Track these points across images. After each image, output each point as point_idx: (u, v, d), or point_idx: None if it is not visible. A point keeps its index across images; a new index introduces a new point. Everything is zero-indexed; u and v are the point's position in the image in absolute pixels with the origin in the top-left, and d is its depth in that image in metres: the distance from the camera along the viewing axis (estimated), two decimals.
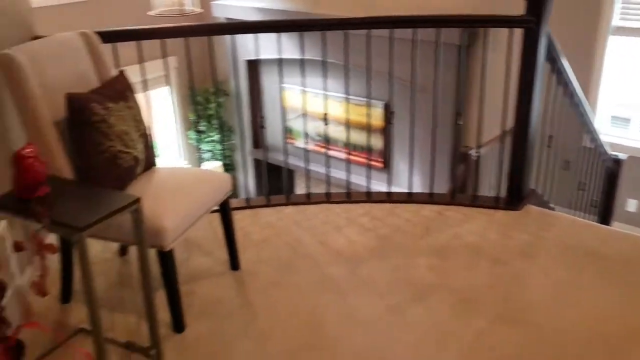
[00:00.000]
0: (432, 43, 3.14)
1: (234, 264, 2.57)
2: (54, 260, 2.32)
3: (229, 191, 2.44)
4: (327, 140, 4.47)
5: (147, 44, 2.96)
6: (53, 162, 2.08)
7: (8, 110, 2.29)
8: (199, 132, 6.33)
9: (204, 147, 6.37)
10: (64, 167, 2.12)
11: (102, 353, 1.81)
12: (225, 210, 2.47)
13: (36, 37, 2.57)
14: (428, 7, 4.16)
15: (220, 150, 6.38)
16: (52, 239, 2.11)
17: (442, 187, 4.35)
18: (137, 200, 1.86)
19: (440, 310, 2.30)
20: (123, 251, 2.68)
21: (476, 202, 3.22)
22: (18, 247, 1.68)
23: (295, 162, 5.22)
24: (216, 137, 6.32)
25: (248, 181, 6.49)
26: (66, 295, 2.34)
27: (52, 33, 2.47)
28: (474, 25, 3.60)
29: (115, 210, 1.80)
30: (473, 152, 4.16)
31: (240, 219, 2.96)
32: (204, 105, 6.27)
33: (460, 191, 4.28)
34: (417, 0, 4.28)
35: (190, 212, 2.18)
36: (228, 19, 5.80)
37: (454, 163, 4.55)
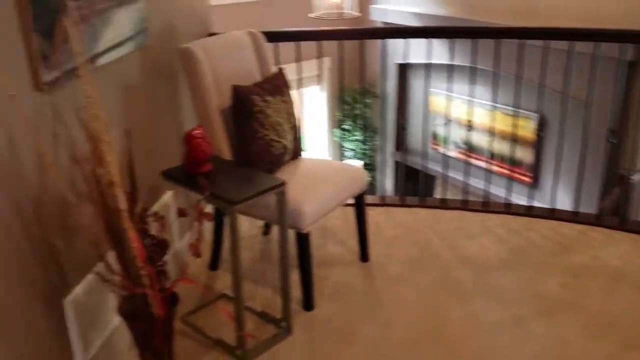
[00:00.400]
0: (589, 55, 3.01)
1: (364, 255, 2.70)
2: (207, 232, 2.62)
3: (365, 186, 2.57)
4: (470, 148, 4.44)
5: (305, 44, 3.19)
6: (216, 144, 2.36)
7: (183, 95, 2.63)
8: (344, 130, 6.56)
9: (348, 145, 6.59)
10: (224, 149, 2.39)
11: (241, 318, 2.03)
12: (359, 204, 2.61)
13: (211, 34, 2.90)
14: (589, 16, 3.97)
15: (363, 149, 6.56)
16: (208, 210, 2.38)
17: (591, 206, 4.12)
18: (283, 184, 2.06)
19: (568, 328, 2.24)
20: (266, 230, 2.94)
21: (624, 225, 3.03)
22: (182, 213, 1.95)
23: (436, 167, 5.23)
24: (360, 136, 6.51)
25: (387, 182, 6.60)
26: (214, 263, 2.63)
27: (223, 30, 2.77)
28: (636, 41, 3.37)
29: (264, 190, 2.02)
30: (632, 175, 3.89)
31: (374, 215, 3.08)
32: (352, 105, 6.48)
33: (612, 214, 4.03)
34: (578, 11, 4.10)
35: (327, 200, 2.35)
36: (385, 23, 5.95)
37: (605, 183, 4.28)
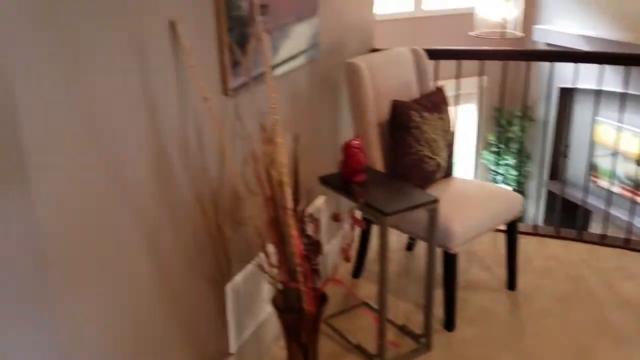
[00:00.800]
0: None
1: (511, 284, 2.61)
2: (354, 240, 2.70)
3: (520, 213, 2.49)
4: (637, 185, 4.08)
5: (464, 61, 3.16)
6: (370, 155, 2.44)
7: (342, 107, 2.75)
8: (495, 153, 6.35)
9: (497, 169, 6.37)
10: (377, 161, 2.46)
11: (383, 327, 2.07)
12: (511, 231, 2.53)
13: (373, 49, 3.00)
14: None
15: (514, 175, 6.30)
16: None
17: None
18: (436, 201, 2.07)
19: None
20: (410, 245, 2.95)
21: None
22: (336, 218, 2.03)
23: (594, 202, 4.88)
24: (511, 161, 6.26)
25: (538, 213, 6.27)
26: (357, 271, 2.70)
27: (383, 44, 2.84)
28: None
29: (416, 205, 2.05)
30: None
31: (524, 243, 2.96)
32: (506, 128, 6.27)
33: None
34: None
35: (478, 223, 2.31)
36: (548, 44, 5.70)
37: None
